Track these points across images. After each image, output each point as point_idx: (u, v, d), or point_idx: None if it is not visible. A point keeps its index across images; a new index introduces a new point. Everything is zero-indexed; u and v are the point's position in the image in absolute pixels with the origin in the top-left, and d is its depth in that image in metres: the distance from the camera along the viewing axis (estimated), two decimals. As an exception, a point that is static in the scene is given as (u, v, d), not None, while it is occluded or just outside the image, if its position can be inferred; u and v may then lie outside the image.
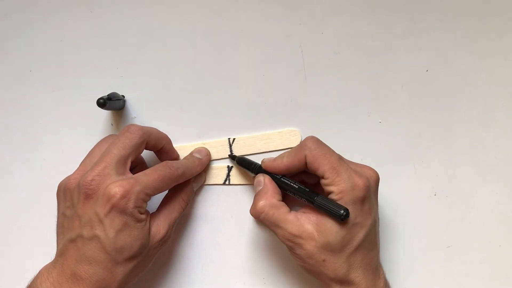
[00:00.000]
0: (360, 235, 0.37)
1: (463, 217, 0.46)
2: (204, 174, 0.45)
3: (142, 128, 0.39)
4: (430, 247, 0.46)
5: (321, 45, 0.45)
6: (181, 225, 0.46)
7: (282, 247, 0.46)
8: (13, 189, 0.47)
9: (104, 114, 0.46)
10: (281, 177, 0.41)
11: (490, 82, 0.45)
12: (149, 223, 0.38)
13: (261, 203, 0.39)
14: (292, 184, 0.40)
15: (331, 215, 0.36)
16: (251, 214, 0.39)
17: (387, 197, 0.46)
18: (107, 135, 0.43)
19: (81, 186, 0.36)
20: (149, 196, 0.37)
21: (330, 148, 0.39)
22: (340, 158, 0.39)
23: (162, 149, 0.42)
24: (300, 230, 0.37)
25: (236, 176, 0.45)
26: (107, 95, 0.42)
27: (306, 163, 0.39)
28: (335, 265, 0.37)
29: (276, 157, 0.41)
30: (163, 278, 0.46)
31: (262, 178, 0.41)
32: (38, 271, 0.37)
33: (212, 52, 0.46)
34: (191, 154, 0.44)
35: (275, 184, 0.40)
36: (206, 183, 0.46)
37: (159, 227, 0.39)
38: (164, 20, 0.46)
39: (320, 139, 0.45)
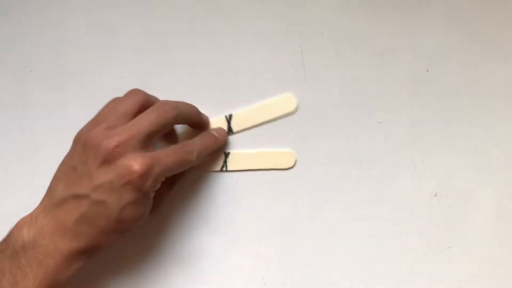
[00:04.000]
0: None
1: (463, 217, 0.46)
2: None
3: (176, 107, 0.39)
4: (430, 248, 0.46)
5: (321, 45, 0.45)
6: (179, 226, 0.46)
7: (282, 247, 0.46)
8: (13, 189, 0.47)
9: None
10: None
11: (490, 82, 0.45)
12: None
13: None
14: None
15: None
16: None
17: (387, 197, 0.46)
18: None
19: (103, 149, 0.35)
20: (165, 177, 0.37)
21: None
22: None
23: (191, 125, 0.43)
24: None
25: (233, 163, 0.45)
26: None
27: None
28: None
29: None
30: (162, 280, 0.46)
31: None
32: (18, 221, 0.36)
33: (212, 52, 0.46)
34: (208, 131, 0.44)
35: None
36: (201, 170, 0.45)
37: (156, 202, 0.39)
38: (164, 20, 0.46)
39: (320, 139, 0.45)
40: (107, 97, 0.46)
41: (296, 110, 0.45)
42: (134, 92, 0.40)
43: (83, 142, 0.37)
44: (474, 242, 0.46)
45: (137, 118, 0.38)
